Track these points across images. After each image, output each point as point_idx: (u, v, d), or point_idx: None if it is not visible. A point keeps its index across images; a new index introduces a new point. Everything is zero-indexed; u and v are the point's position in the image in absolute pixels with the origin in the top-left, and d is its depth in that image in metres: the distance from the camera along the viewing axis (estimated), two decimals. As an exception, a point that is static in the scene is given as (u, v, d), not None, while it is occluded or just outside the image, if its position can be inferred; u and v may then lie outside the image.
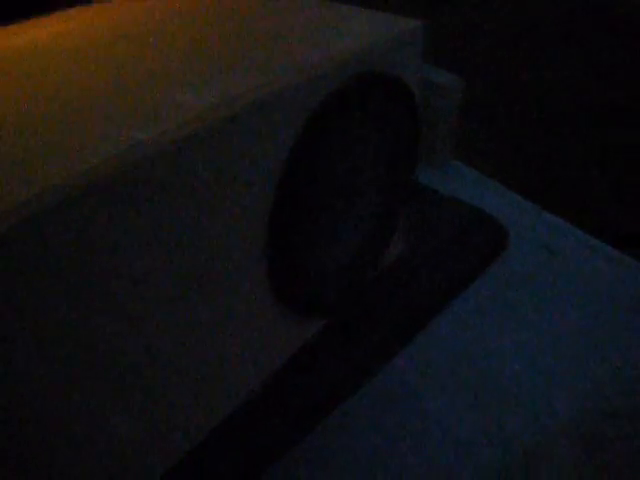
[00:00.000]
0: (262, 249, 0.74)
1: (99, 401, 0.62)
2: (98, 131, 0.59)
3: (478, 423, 1.20)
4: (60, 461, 0.61)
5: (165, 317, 0.65)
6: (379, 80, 0.79)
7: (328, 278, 0.85)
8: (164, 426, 0.71)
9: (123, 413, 0.65)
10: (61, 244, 0.53)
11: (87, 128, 0.59)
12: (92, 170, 0.53)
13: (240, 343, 0.77)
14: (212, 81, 0.68)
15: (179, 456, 0.75)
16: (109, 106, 0.63)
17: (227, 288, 0.72)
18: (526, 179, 2.14)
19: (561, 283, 1.53)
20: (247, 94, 0.65)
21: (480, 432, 1.18)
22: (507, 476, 1.08)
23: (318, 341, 0.89)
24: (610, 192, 2.11)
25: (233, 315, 0.74)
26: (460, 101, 1.93)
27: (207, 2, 0.92)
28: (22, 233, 0.49)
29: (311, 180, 0.75)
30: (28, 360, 0.54)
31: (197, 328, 0.70)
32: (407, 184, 0.90)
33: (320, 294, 0.84)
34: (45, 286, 0.53)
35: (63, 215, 0.52)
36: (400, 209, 0.91)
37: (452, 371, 1.28)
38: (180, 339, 0.68)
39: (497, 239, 1.05)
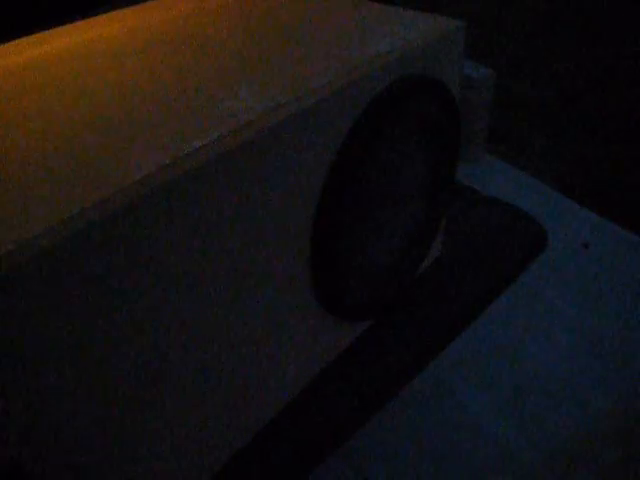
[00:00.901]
0: (306, 254, 0.74)
1: (150, 407, 0.63)
2: (150, 139, 0.59)
3: (516, 422, 1.19)
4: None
5: (212, 323, 0.66)
6: (422, 83, 0.78)
7: (371, 283, 0.85)
8: (212, 430, 0.72)
9: (175, 417, 0.66)
10: (126, 246, 0.53)
11: (139, 137, 0.60)
12: (148, 179, 0.54)
13: (286, 347, 0.77)
14: (259, 87, 0.68)
15: (227, 457, 0.76)
16: (161, 113, 0.63)
17: (273, 294, 0.72)
18: (562, 173, 2.12)
19: (599, 280, 1.52)
20: (294, 101, 0.65)
21: (518, 432, 1.17)
22: (547, 477, 1.08)
23: (361, 344, 0.88)
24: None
25: (279, 320, 0.75)
26: (493, 94, 1.91)
27: (248, 4, 0.92)
28: (89, 237, 0.50)
29: (355, 185, 0.75)
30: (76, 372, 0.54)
31: (243, 334, 0.70)
32: (448, 187, 0.89)
33: (363, 299, 0.84)
34: (104, 291, 0.53)
35: (123, 223, 0.52)
36: (442, 212, 0.91)
37: (489, 369, 1.27)
38: (227, 345, 0.69)
39: (536, 240, 1.04)
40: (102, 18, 0.90)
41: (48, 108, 0.66)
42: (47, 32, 0.86)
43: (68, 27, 0.87)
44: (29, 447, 0.52)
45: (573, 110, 2.56)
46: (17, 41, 0.83)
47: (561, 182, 1.94)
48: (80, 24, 0.88)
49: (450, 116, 0.84)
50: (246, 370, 0.73)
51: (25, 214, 0.50)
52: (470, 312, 0.94)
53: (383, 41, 0.77)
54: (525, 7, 3.38)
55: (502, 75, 2.31)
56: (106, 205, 0.51)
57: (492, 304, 1.20)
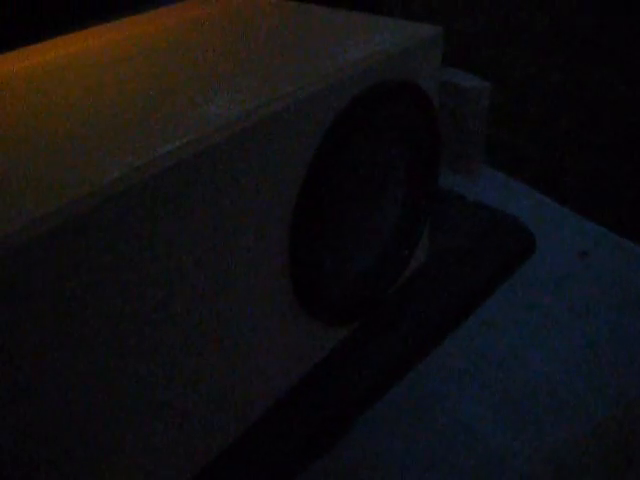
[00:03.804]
0: (286, 258, 0.75)
1: (129, 408, 0.63)
2: (122, 143, 0.60)
3: (512, 429, 1.19)
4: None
5: (191, 326, 0.66)
6: (398, 89, 0.79)
7: (352, 287, 0.85)
8: (191, 434, 0.72)
9: (149, 422, 0.66)
10: (89, 253, 0.54)
11: (111, 141, 0.61)
12: (115, 182, 0.55)
13: (266, 351, 0.78)
14: (234, 92, 0.69)
15: (204, 464, 0.76)
16: (134, 119, 0.65)
17: (252, 299, 0.73)
18: (561, 184, 2.12)
19: (593, 287, 1.51)
20: (268, 105, 0.66)
21: (513, 439, 1.17)
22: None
23: (342, 349, 0.88)
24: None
25: (258, 324, 0.75)
26: (487, 105, 1.92)
27: (229, 13, 0.93)
28: (57, 240, 0.51)
29: (332, 188, 0.75)
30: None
31: (222, 337, 0.71)
32: (429, 192, 0.90)
33: (344, 301, 0.84)
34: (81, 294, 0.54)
35: (87, 226, 0.53)
36: (423, 218, 0.91)
37: (482, 377, 1.27)
38: (205, 347, 0.69)
39: (524, 243, 1.04)
40: (87, 32, 0.91)
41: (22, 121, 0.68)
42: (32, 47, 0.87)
43: (56, 40, 0.89)
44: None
45: (570, 121, 2.56)
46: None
47: (559, 193, 1.95)
48: (69, 37, 0.90)
49: (429, 121, 0.85)
50: (224, 372, 0.73)
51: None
52: (456, 316, 0.95)
53: (360, 47, 0.79)
54: (519, 23, 3.40)
55: (497, 87, 2.32)
56: (71, 210, 0.52)
57: (486, 311, 1.20)
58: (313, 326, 0.83)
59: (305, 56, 0.77)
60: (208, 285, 0.66)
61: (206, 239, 0.64)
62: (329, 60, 0.75)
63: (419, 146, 0.86)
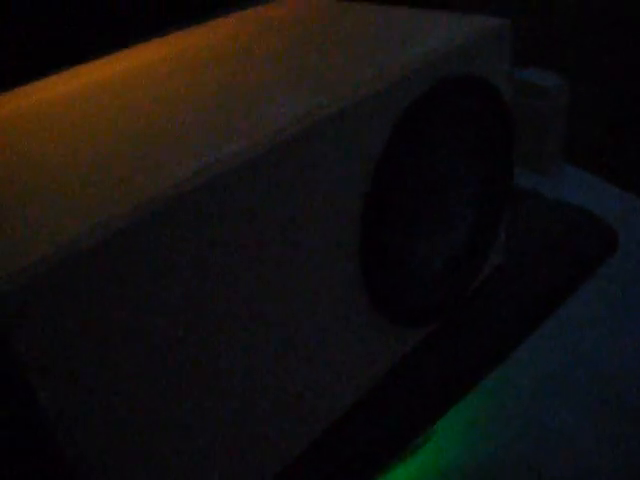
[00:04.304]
0: (357, 259, 0.74)
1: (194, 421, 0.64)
2: (186, 146, 0.61)
3: (602, 437, 1.15)
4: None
5: (261, 329, 0.66)
6: (465, 83, 0.77)
7: (426, 288, 0.84)
8: (262, 439, 0.72)
9: (218, 430, 0.67)
10: (155, 254, 0.55)
11: (176, 144, 0.62)
12: (180, 184, 0.55)
13: (339, 355, 0.77)
14: (296, 92, 0.69)
15: (273, 473, 0.75)
16: (196, 121, 0.66)
17: (324, 301, 0.72)
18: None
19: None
20: (332, 104, 0.66)
21: (605, 447, 1.13)
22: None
23: (417, 353, 0.87)
24: None
25: (331, 327, 0.75)
26: (567, 103, 1.87)
27: (288, 16, 0.94)
28: (130, 239, 0.52)
29: (401, 187, 0.74)
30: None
31: (294, 341, 0.71)
32: (503, 190, 0.87)
33: (418, 304, 0.83)
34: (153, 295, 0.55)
35: (154, 230, 0.54)
36: (497, 217, 0.89)
37: (567, 378, 1.23)
38: (277, 352, 0.69)
39: (605, 241, 1.00)
40: (140, 47, 0.94)
41: (96, 123, 0.70)
42: (85, 65, 0.90)
43: (115, 55, 0.92)
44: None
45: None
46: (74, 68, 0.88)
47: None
48: (121, 53, 0.92)
49: (500, 116, 0.83)
50: (290, 379, 0.73)
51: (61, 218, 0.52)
52: (535, 317, 0.92)
53: (425, 42, 0.77)
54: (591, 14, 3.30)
55: (574, 81, 2.27)
56: (135, 213, 0.53)
57: (568, 310, 1.16)
58: (387, 329, 0.82)
59: (368, 54, 0.77)
60: (278, 284, 0.66)
61: (271, 239, 0.64)
62: (394, 57, 0.75)
63: (491, 141, 0.84)
